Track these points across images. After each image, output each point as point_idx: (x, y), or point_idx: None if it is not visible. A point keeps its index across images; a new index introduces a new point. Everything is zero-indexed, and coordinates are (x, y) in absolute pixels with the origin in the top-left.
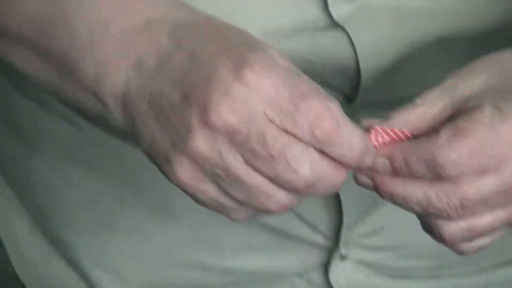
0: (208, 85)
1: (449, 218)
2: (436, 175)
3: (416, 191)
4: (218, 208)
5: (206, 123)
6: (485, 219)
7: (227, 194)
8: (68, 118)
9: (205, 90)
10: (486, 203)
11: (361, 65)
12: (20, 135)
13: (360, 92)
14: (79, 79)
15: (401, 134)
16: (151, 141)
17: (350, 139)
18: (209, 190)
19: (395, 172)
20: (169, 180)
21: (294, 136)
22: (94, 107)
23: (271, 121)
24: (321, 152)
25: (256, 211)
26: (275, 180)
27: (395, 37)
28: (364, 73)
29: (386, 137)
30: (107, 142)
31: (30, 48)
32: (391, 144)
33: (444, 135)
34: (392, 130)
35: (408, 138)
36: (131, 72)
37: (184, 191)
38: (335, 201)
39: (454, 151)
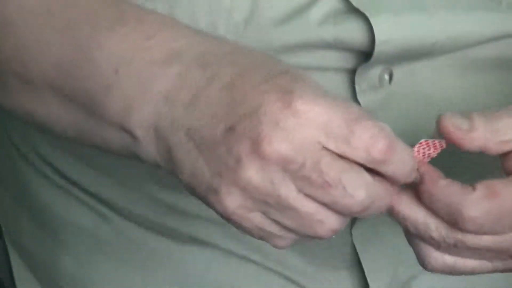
0: (256, 117)
1: (438, 248)
2: (453, 222)
3: (418, 215)
4: (262, 235)
5: (258, 154)
6: (470, 264)
7: (275, 221)
8: (95, 209)
9: (254, 122)
10: (478, 252)
11: None
12: (46, 225)
13: None
14: (106, 115)
15: (444, 144)
16: (193, 172)
17: (403, 155)
18: (256, 217)
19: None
20: (214, 209)
21: (349, 160)
22: (122, 143)
23: (324, 147)
24: (372, 173)
25: (303, 237)
26: (330, 206)
27: (422, 124)
28: None
29: (427, 148)
30: (135, 234)
31: (55, 93)
32: (429, 167)
33: (478, 192)
34: (434, 142)
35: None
36: (161, 103)
37: (229, 219)
38: None
39: (481, 211)
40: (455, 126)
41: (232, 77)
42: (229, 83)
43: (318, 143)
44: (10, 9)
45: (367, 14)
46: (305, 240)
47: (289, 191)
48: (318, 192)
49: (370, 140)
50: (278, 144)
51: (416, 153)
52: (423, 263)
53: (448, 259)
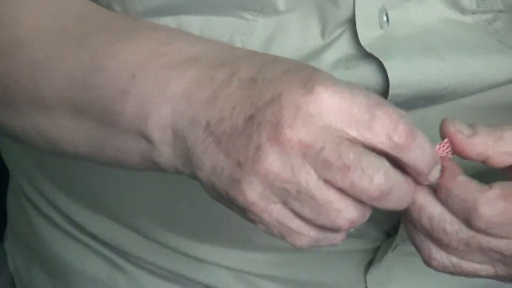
0: (277, 103)
1: (446, 247)
2: (466, 218)
3: (435, 206)
4: (281, 231)
5: (278, 140)
6: (474, 266)
7: (294, 213)
8: (109, 258)
9: (275, 108)
10: (486, 254)
11: None
12: (58, 274)
13: (401, 226)
14: (121, 121)
15: None
16: (213, 167)
17: (422, 143)
18: (275, 210)
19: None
20: (235, 202)
21: (369, 145)
22: (138, 150)
23: (345, 132)
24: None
25: (321, 233)
26: (348, 191)
27: None
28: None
29: (448, 146)
30: (150, 283)
31: (67, 108)
32: (450, 163)
33: (494, 191)
34: None
35: None
36: (179, 103)
37: (250, 211)
38: None
39: (495, 210)
40: (457, 129)
41: (251, 73)
42: (249, 78)
43: (339, 129)
44: (23, 29)
45: (381, 59)
46: (324, 240)
47: (309, 177)
48: (337, 176)
49: (391, 125)
50: (299, 130)
51: (438, 149)
52: (428, 262)
53: (454, 259)
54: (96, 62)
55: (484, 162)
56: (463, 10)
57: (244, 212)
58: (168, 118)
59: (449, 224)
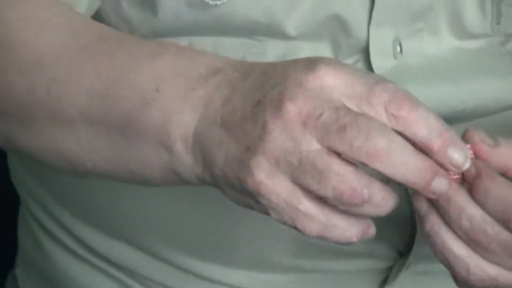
0: (281, 85)
1: (484, 250)
2: (506, 220)
3: (475, 207)
4: (291, 216)
5: (280, 115)
6: (509, 277)
7: (301, 188)
8: (120, 280)
9: (279, 89)
10: None
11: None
12: None
13: (415, 245)
14: (143, 133)
15: None
16: (225, 158)
17: (427, 116)
18: (284, 190)
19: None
20: (246, 184)
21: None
22: (159, 162)
23: (345, 105)
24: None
25: (329, 217)
26: (348, 153)
27: None
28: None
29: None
30: None
31: (87, 123)
32: (486, 164)
33: None
34: None
35: None
36: (199, 110)
37: (260, 196)
38: None
39: None
40: (481, 138)
41: (264, 68)
42: (262, 72)
43: (338, 100)
44: (42, 48)
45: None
46: (334, 228)
47: (310, 146)
48: (336, 139)
49: (388, 98)
50: (299, 102)
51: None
52: (466, 274)
53: (491, 271)
54: (118, 75)
55: (505, 173)
56: (475, 36)
57: (255, 198)
58: (189, 126)
59: (490, 226)
